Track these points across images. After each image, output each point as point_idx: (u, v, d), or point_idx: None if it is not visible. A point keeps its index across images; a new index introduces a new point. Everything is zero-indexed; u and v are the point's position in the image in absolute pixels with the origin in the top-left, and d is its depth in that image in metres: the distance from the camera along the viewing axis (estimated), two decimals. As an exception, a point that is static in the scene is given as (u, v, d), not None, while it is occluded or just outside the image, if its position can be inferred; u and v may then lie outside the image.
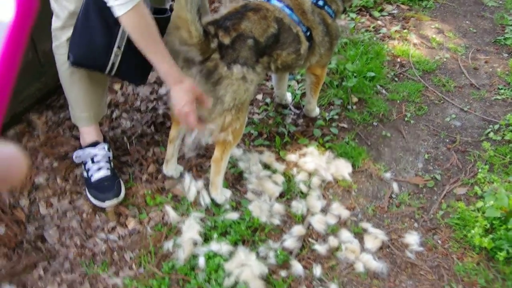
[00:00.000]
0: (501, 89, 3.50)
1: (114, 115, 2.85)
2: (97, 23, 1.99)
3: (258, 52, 2.18)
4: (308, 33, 2.41)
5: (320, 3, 2.47)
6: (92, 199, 2.31)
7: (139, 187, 2.45)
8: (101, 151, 2.38)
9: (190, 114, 1.99)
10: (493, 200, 2.30)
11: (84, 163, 2.39)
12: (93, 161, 2.37)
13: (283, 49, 2.31)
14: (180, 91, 1.98)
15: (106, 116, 2.79)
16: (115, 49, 2.05)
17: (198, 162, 2.61)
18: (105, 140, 2.49)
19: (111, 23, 1.98)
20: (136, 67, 2.17)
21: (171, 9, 2.03)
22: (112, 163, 2.43)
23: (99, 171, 2.35)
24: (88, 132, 2.42)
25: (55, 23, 2.16)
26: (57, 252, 2.10)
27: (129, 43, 2.02)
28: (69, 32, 2.13)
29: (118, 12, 1.80)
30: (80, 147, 2.45)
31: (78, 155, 2.39)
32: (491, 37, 4.15)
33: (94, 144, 2.40)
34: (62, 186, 2.38)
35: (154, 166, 2.56)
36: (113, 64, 2.08)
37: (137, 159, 2.59)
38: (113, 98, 2.97)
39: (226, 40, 2.09)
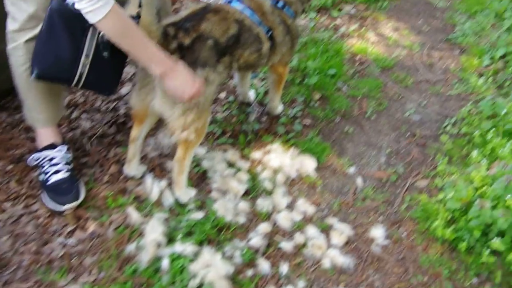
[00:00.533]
0: (455, 84, 3.48)
1: (73, 116, 2.64)
2: (62, 34, 1.83)
3: (219, 52, 2.07)
4: (269, 33, 2.33)
5: (280, 4, 2.42)
6: (49, 203, 2.10)
7: (100, 188, 2.25)
8: (59, 153, 2.18)
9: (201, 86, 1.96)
10: (453, 192, 2.24)
11: (42, 166, 2.18)
12: (50, 164, 2.17)
13: (245, 48, 2.23)
14: (180, 74, 1.89)
15: (65, 117, 2.59)
16: (82, 58, 1.88)
17: (160, 162, 2.43)
18: (64, 142, 2.28)
19: (77, 32, 1.84)
20: (105, 76, 2.02)
21: (138, 16, 1.87)
22: (71, 165, 2.24)
23: (56, 174, 2.15)
24: (46, 134, 2.21)
25: (12, 25, 1.96)
26: (10, 261, 1.87)
27: (97, 51, 1.90)
28: (27, 35, 1.95)
29: (94, 18, 1.67)
30: (37, 150, 2.23)
31: (34, 158, 2.18)
32: (443, 35, 4.13)
33: (52, 146, 2.20)
34: (16, 190, 2.16)
35: (116, 167, 2.37)
36: (80, 75, 1.91)
37: (97, 160, 2.40)
38: (72, 98, 2.76)
39: (186, 41, 1.98)
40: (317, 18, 3.99)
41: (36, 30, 1.93)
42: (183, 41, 1.98)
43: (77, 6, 1.67)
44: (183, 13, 2.13)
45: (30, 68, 1.93)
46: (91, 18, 1.68)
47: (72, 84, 1.94)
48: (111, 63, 1.98)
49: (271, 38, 2.35)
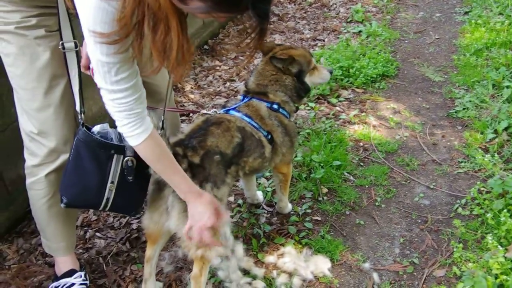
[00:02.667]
0: (462, 162, 3.66)
1: (87, 235, 2.86)
2: (89, 164, 2.04)
3: (226, 164, 2.29)
4: (269, 136, 2.57)
5: (275, 106, 2.65)
6: (70, 331, 2.27)
7: (119, 310, 2.43)
8: (78, 279, 2.37)
9: (209, 230, 2.03)
10: (472, 284, 2.35)
11: (61, 294, 2.37)
12: (69, 291, 2.36)
13: (249, 155, 2.45)
14: (201, 204, 2.01)
15: (79, 237, 2.80)
16: (109, 184, 2.09)
17: (177, 276, 2.61)
18: (80, 265, 2.48)
19: (103, 160, 2.06)
20: (130, 198, 2.21)
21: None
22: (89, 290, 2.43)
23: (76, 300, 2.34)
24: (65, 262, 2.42)
25: (31, 161, 2.19)
26: None
27: (122, 176, 2.10)
28: (48, 168, 2.18)
29: (133, 142, 1.85)
30: (55, 276, 2.43)
31: (53, 287, 2.37)
32: (444, 111, 4.39)
33: (70, 273, 2.39)
34: (38, 320, 2.34)
35: (133, 286, 2.55)
36: (107, 200, 2.12)
37: (114, 280, 2.58)
38: (85, 217, 2.99)
39: (196, 159, 2.19)
40: (316, 108, 4.31)
41: (56, 163, 2.17)
42: (192, 160, 2.19)
43: (119, 129, 1.84)
44: (187, 129, 2.39)
45: (51, 200, 2.17)
46: (131, 142, 1.86)
47: (99, 208, 2.15)
48: (136, 185, 2.16)
49: (272, 141, 2.59)
